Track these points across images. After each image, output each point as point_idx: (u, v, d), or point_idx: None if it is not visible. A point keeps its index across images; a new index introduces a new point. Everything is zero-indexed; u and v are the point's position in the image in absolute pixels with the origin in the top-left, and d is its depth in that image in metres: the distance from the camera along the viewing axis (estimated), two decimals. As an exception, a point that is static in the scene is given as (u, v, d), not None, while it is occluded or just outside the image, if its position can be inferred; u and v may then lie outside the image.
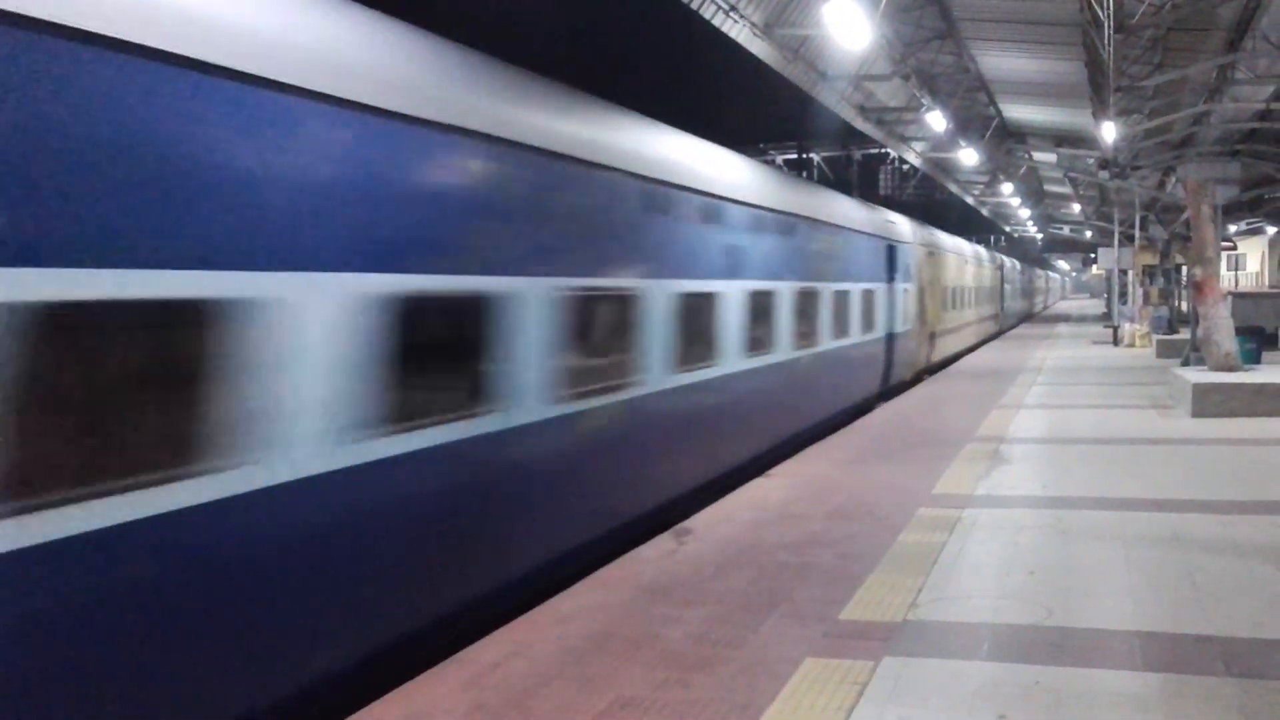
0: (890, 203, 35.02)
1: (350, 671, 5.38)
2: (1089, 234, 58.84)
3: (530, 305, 6.97)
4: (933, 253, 24.52)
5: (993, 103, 28.44)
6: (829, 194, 16.93)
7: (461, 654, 5.60)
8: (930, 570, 7.07)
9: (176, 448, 4.33)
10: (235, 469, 4.60)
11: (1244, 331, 17.56)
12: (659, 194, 9.18)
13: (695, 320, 10.00)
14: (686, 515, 9.05)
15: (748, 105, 30.93)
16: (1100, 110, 20.22)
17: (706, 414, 10.38)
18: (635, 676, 5.24)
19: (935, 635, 5.80)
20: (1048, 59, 21.23)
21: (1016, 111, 29.15)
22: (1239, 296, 25.31)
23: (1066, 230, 67.07)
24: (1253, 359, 17.43)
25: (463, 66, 6.70)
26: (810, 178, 37.62)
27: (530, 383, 6.97)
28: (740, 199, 11.33)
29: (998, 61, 23.25)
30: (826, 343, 14.78)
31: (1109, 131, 20.50)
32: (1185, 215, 24.55)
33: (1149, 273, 39.43)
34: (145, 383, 4.27)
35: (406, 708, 4.91)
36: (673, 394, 9.46)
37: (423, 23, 6.61)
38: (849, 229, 16.36)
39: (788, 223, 13.05)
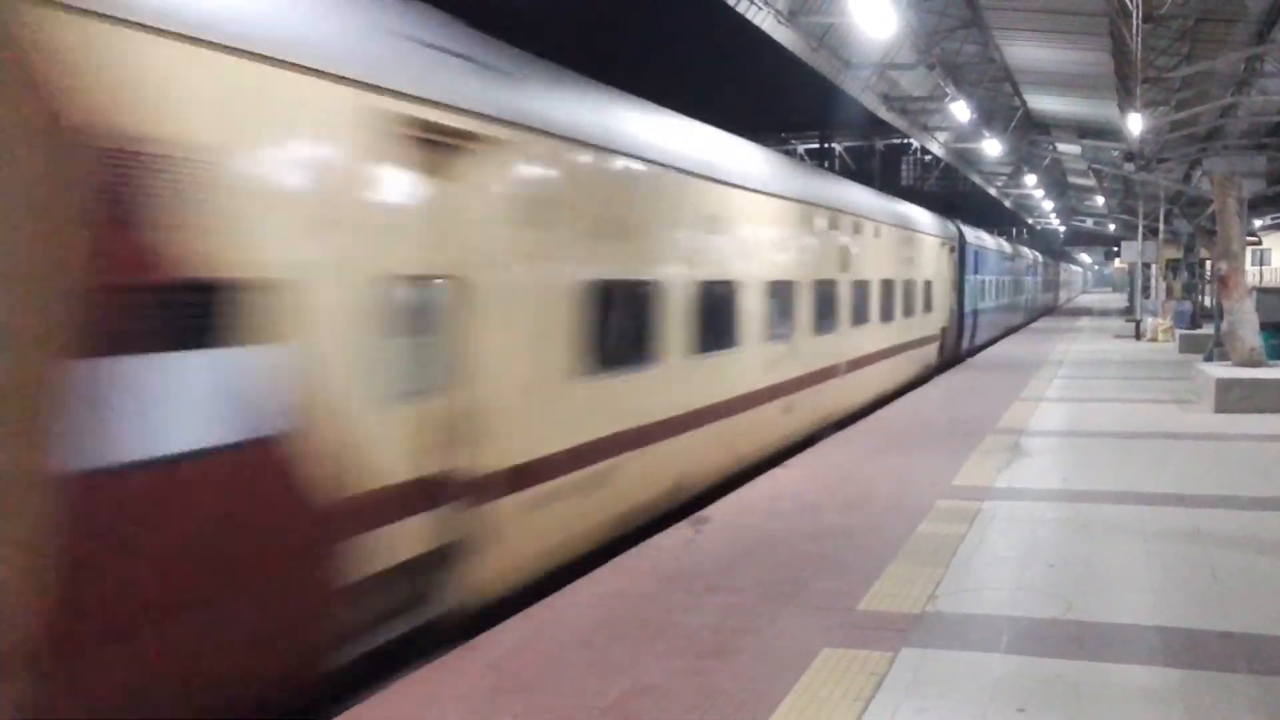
0: (912, 194, 34.85)
1: None
2: (1112, 227, 58.39)
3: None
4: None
5: (1017, 93, 28.23)
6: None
7: (479, 638, 5.61)
8: (949, 562, 7.04)
9: None
10: None
11: (1268, 327, 17.39)
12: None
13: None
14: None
15: (770, 94, 30.82)
16: (1126, 102, 20.07)
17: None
18: (653, 664, 5.24)
19: (954, 627, 5.78)
20: (1074, 49, 21.05)
21: (1041, 102, 28.92)
22: (1264, 291, 25.02)
23: (1089, 223, 66.61)
24: (1277, 354, 17.28)
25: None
26: (832, 168, 37.48)
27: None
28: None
29: (1023, 51, 23.07)
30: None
31: (1135, 123, 20.34)
32: (1210, 209, 24.31)
33: (1172, 267, 39.14)
34: None
35: (424, 691, 4.93)
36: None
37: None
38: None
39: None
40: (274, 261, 4.67)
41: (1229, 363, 16.26)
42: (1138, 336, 31.44)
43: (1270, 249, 51.20)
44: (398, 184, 5.52)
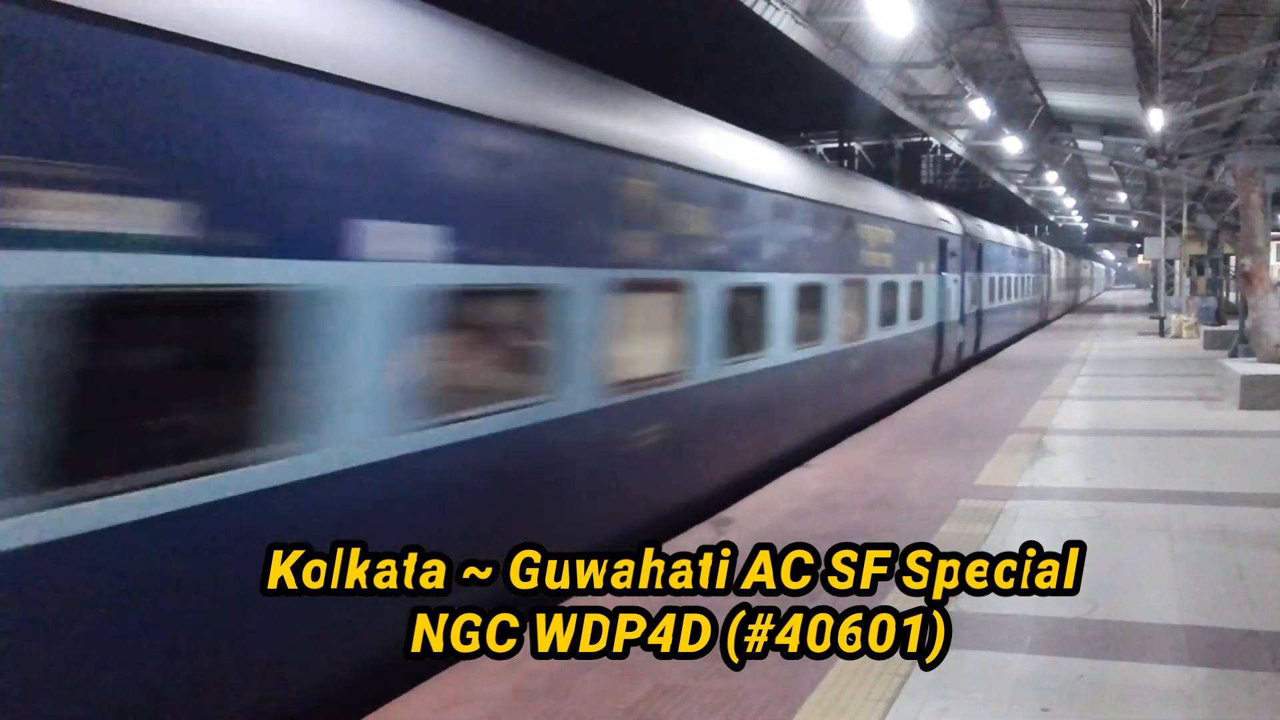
0: (932, 192, 34.73)
1: None
2: (1135, 223, 58.04)
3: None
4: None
5: (1037, 90, 28.09)
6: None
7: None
8: (972, 562, 7.00)
9: None
10: None
11: (1294, 322, 17.21)
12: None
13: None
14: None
15: (788, 94, 30.76)
16: (1148, 97, 19.94)
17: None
18: (675, 665, 5.25)
19: (977, 627, 5.76)
20: (1094, 45, 20.92)
21: (1061, 99, 28.77)
22: (1289, 287, 24.83)
23: (1112, 220, 66.21)
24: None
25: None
26: (852, 167, 37.45)
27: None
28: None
29: (1043, 48, 22.95)
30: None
31: (1156, 119, 20.21)
32: (1234, 204, 24.13)
33: (1196, 263, 38.87)
34: None
35: (445, 694, 4.95)
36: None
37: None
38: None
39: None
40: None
41: (1254, 359, 16.13)
42: (1161, 333, 31.23)
43: (1295, 244, 50.65)
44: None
